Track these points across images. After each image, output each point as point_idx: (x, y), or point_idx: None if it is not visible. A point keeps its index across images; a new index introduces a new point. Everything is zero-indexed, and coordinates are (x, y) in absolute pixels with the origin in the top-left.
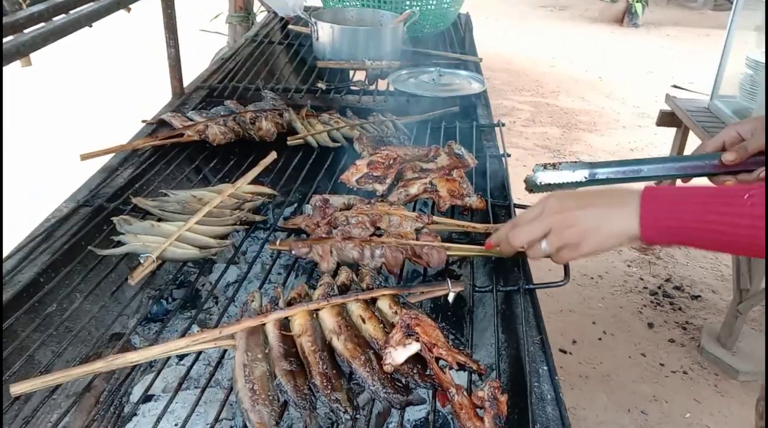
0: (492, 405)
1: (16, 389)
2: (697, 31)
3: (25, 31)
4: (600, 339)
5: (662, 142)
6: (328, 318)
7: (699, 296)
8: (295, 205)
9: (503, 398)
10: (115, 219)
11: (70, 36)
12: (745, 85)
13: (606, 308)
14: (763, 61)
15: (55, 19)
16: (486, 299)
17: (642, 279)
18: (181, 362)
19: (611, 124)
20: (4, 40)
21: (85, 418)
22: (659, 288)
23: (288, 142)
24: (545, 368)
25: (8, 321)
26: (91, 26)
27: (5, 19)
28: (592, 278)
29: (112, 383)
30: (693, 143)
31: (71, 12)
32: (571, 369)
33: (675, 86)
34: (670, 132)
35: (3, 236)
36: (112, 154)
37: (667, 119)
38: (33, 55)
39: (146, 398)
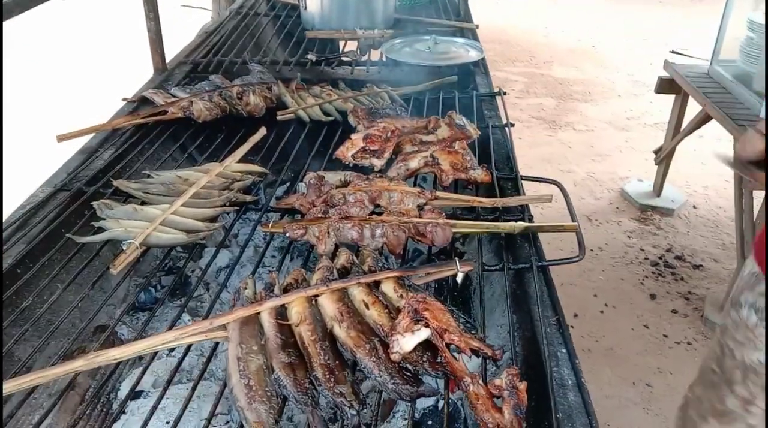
0: (511, 395)
1: None
2: None
3: None
4: (602, 312)
5: (658, 109)
6: (329, 305)
7: (701, 265)
8: (288, 183)
9: (522, 386)
10: (95, 203)
11: (44, 7)
12: (747, 48)
13: (607, 280)
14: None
15: None
16: (493, 278)
17: (642, 249)
18: (172, 353)
19: (606, 93)
20: None
21: (70, 418)
22: (660, 258)
23: (278, 117)
24: (564, 351)
25: None
26: None
27: None
28: (591, 250)
29: (98, 379)
30: (692, 109)
31: None
32: (573, 343)
33: (673, 52)
34: (666, 99)
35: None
36: (91, 135)
37: (666, 86)
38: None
39: (135, 394)
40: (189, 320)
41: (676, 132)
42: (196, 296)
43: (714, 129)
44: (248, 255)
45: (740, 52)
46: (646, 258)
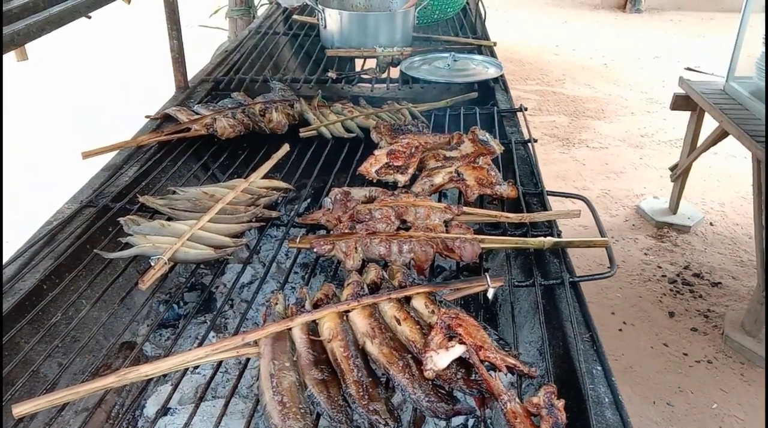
0: (550, 413)
1: (19, 410)
2: (701, 14)
3: (19, 21)
4: (620, 330)
5: (672, 127)
6: (360, 321)
7: (719, 283)
8: (308, 200)
9: (560, 404)
10: (121, 219)
11: (68, 29)
12: (762, 64)
13: (624, 298)
14: None
15: (48, 9)
16: (520, 294)
17: (660, 267)
18: (197, 370)
19: (619, 110)
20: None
21: None
22: (678, 276)
23: (301, 134)
24: (599, 368)
25: (9, 333)
26: (89, 17)
27: None
28: (601, 264)
29: (124, 396)
30: (709, 126)
31: (64, 3)
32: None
33: (688, 68)
34: (679, 117)
35: (2, 244)
36: (116, 152)
37: (681, 103)
38: (30, 49)
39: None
40: (213, 336)
41: (692, 148)
42: (219, 313)
43: (728, 146)
44: (271, 271)
45: (756, 68)
46: (663, 276)
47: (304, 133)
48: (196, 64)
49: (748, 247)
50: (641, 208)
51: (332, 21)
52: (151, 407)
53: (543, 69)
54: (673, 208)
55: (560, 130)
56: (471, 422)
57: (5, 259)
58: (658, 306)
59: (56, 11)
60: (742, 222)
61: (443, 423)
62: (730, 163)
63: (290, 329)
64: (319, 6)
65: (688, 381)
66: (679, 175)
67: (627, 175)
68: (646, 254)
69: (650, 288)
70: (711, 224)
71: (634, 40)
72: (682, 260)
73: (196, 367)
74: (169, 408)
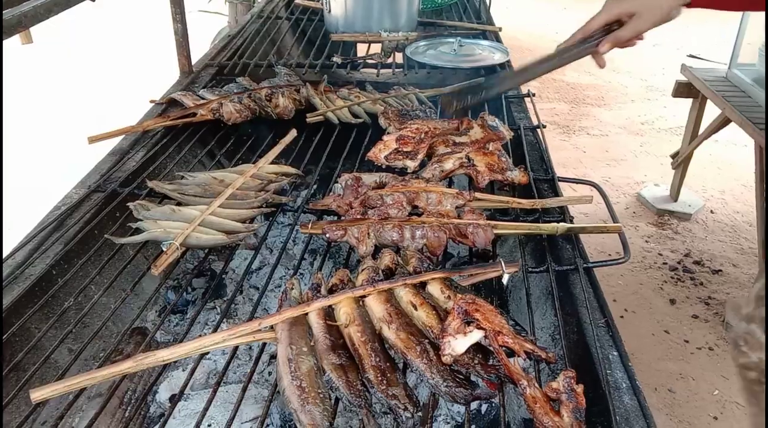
0: (570, 398)
1: (37, 395)
2: None
3: (25, 2)
4: (622, 317)
5: (672, 114)
6: (376, 306)
7: (720, 270)
8: (314, 186)
9: (580, 389)
10: (131, 204)
11: (70, 13)
12: (765, 51)
13: (626, 285)
14: None
15: None
16: (531, 279)
17: (661, 254)
18: (207, 356)
19: (620, 98)
20: (3, 11)
21: (110, 421)
22: (679, 263)
23: (308, 120)
24: (615, 353)
25: (22, 320)
26: (94, 0)
27: None
28: (609, 255)
29: (135, 382)
30: (711, 113)
31: None
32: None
33: (691, 56)
34: (679, 104)
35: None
36: (122, 136)
37: (683, 90)
38: (34, 33)
39: (173, 397)
40: (224, 323)
41: (694, 136)
42: (228, 299)
43: (729, 133)
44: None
45: (758, 55)
46: (664, 263)
47: (311, 118)
48: (197, 48)
49: (749, 235)
50: (642, 195)
51: (336, 5)
52: (163, 392)
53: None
54: (674, 195)
55: (560, 118)
56: (484, 407)
57: (14, 244)
58: (659, 293)
59: None
60: (742, 210)
61: (456, 407)
62: (730, 151)
63: (306, 314)
64: None
65: (689, 368)
66: (680, 162)
67: (627, 163)
68: (647, 241)
69: (651, 275)
70: (712, 212)
71: None
72: (682, 247)
73: (206, 353)
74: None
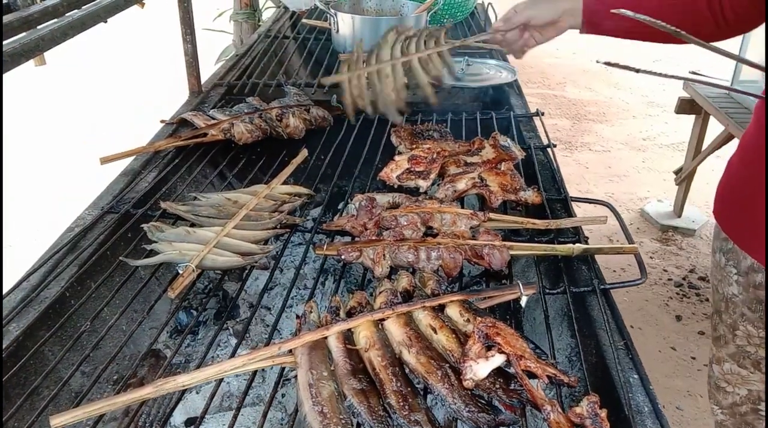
0: (594, 423)
1: (57, 421)
2: None
3: (40, 26)
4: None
5: (674, 130)
6: (396, 329)
7: None
8: (320, 207)
9: (604, 413)
10: (145, 226)
11: (82, 35)
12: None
13: (631, 302)
14: None
15: (68, 14)
16: (546, 300)
17: (665, 270)
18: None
19: (621, 114)
20: (21, 35)
21: None
22: (684, 279)
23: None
24: (635, 376)
25: (38, 344)
26: (106, 22)
27: (18, 14)
28: (614, 271)
29: (150, 405)
30: (713, 130)
31: (84, 6)
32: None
33: (693, 73)
34: (681, 120)
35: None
36: (133, 157)
37: (686, 106)
38: (47, 55)
39: (190, 421)
40: (242, 346)
41: (697, 152)
42: (241, 320)
43: (732, 149)
44: (289, 277)
45: (761, 72)
46: (669, 279)
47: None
48: (202, 67)
49: None
50: (646, 211)
51: (345, 25)
52: (179, 416)
53: (544, 72)
54: (678, 211)
55: (562, 133)
56: None
57: (30, 267)
58: (664, 309)
59: (78, 16)
60: None
61: None
62: None
63: (326, 338)
64: (332, 10)
65: (697, 386)
66: (684, 178)
67: (630, 179)
68: (651, 258)
69: (656, 291)
70: None
71: (633, 44)
72: (687, 263)
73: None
74: (196, 418)
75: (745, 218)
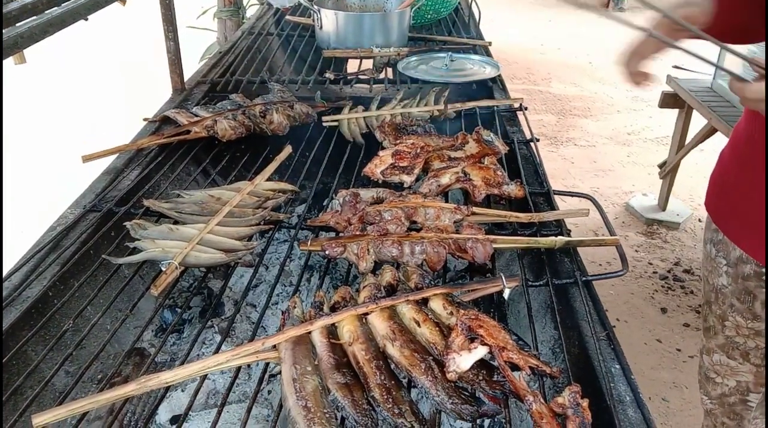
0: (576, 412)
1: (39, 420)
2: None
3: (19, 23)
4: (614, 326)
5: (658, 124)
6: (380, 323)
7: None
8: (306, 202)
9: (585, 403)
10: (128, 224)
11: (62, 33)
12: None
13: (617, 294)
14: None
15: (48, 11)
16: (530, 293)
17: (651, 263)
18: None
19: (606, 108)
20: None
21: None
22: (669, 272)
23: (324, 123)
24: (617, 367)
25: (20, 343)
26: (86, 19)
27: None
28: (600, 265)
29: (135, 403)
30: (696, 123)
31: (64, 3)
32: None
33: (676, 67)
34: (665, 114)
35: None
36: (116, 155)
37: (669, 100)
38: (27, 53)
39: (174, 419)
40: (226, 342)
41: (680, 146)
42: (225, 317)
43: (715, 143)
44: (273, 273)
45: (742, 65)
46: (654, 273)
47: (327, 120)
48: (186, 65)
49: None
50: (631, 205)
51: (328, 21)
52: (163, 413)
53: (529, 68)
54: (662, 205)
55: (548, 129)
56: (487, 423)
57: (10, 267)
58: (650, 302)
59: (57, 13)
60: None
61: (459, 424)
62: (716, 160)
63: (310, 333)
64: (315, 6)
65: (682, 377)
66: (668, 172)
67: (615, 173)
68: (636, 251)
69: (642, 284)
70: (699, 220)
71: (617, 39)
72: (672, 256)
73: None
74: (180, 415)
75: (735, 209)
